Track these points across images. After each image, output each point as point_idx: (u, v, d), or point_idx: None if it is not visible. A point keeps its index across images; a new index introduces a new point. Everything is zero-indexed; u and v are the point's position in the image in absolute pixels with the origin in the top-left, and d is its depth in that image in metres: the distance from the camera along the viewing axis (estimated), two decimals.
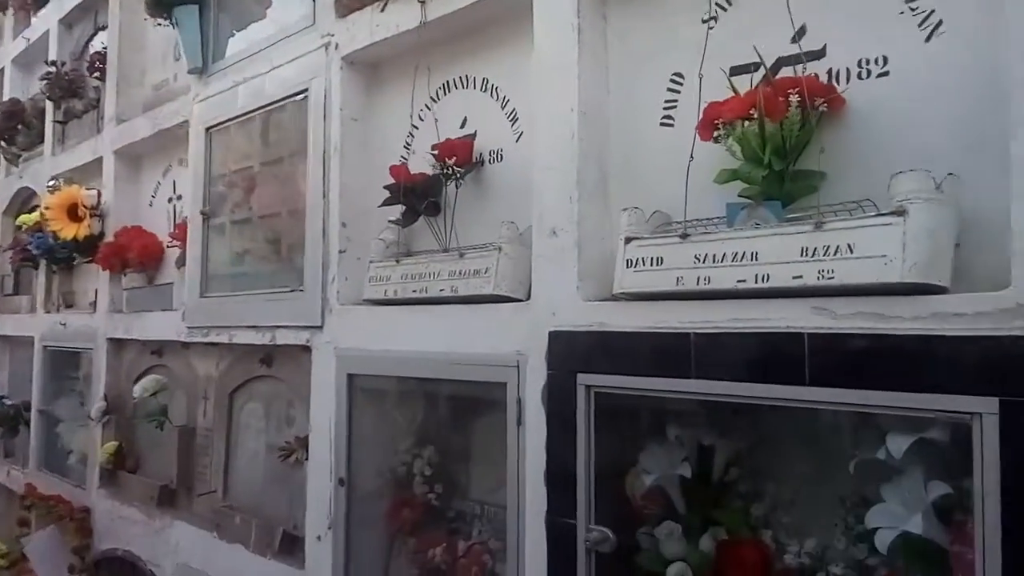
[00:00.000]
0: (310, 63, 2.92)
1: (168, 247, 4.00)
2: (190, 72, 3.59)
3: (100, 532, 4.03)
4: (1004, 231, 1.38)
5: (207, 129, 3.50)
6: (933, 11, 1.56)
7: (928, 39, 1.56)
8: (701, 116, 1.76)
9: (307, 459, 2.84)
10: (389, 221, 2.65)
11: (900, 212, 1.42)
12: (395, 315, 2.50)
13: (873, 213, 1.47)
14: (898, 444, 1.43)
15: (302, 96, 2.96)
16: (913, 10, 1.58)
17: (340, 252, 2.76)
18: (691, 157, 1.77)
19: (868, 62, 1.65)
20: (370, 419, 2.72)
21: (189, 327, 3.48)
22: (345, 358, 2.69)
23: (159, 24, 3.70)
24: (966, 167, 1.47)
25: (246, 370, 3.32)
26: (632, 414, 2.00)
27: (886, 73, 1.62)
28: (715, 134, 1.73)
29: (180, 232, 3.71)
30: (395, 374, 2.57)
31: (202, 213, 3.47)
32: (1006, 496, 1.26)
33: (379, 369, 2.60)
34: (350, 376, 2.68)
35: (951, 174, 1.44)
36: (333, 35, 2.82)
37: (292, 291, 2.94)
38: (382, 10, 2.51)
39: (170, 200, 4.07)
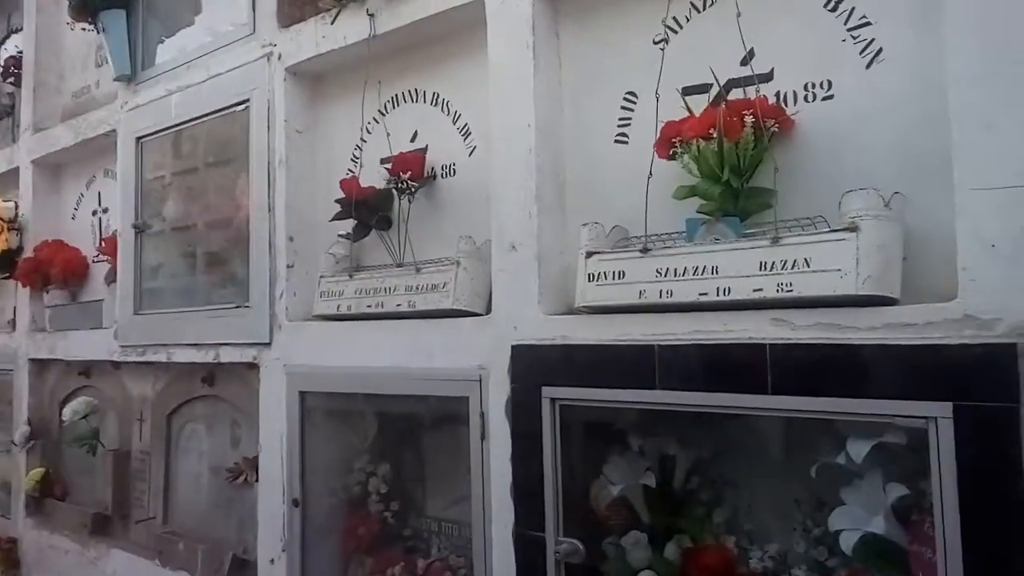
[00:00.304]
0: (251, 73, 2.87)
1: (94, 262, 3.87)
2: (117, 79, 3.48)
3: (29, 563, 3.85)
4: (945, 245, 1.49)
5: (138, 139, 3.40)
6: (873, 39, 1.66)
7: (869, 66, 1.66)
8: (659, 134, 1.82)
9: (257, 480, 2.79)
10: (339, 235, 2.64)
11: (853, 228, 1.51)
12: (349, 330, 2.49)
13: (827, 229, 1.56)
14: (858, 449, 1.52)
15: (243, 107, 2.91)
16: (855, 38, 1.68)
17: (288, 267, 2.73)
18: (650, 174, 1.82)
19: (814, 86, 1.74)
20: (323, 437, 2.69)
21: (122, 346, 3.37)
22: (296, 375, 2.65)
23: (84, 28, 3.57)
24: (907, 186, 1.57)
25: (186, 390, 3.23)
26: (595, 426, 2.04)
27: (831, 96, 1.72)
28: (672, 152, 1.80)
29: (109, 246, 3.58)
30: (350, 390, 2.56)
31: (135, 227, 3.36)
32: (963, 495, 1.35)
33: (333, 386, 2.58)
34: (302, 394, 2.65)
35: (897, 193, 1.54)
36: (275, 45, 2.79)
37: (237, 307, 2.89)
38: (332, 22, 2.50)
39: (95, 213, 3.93)
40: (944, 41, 1.49)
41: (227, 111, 2.99)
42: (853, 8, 1.68)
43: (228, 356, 2.92)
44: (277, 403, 2.71)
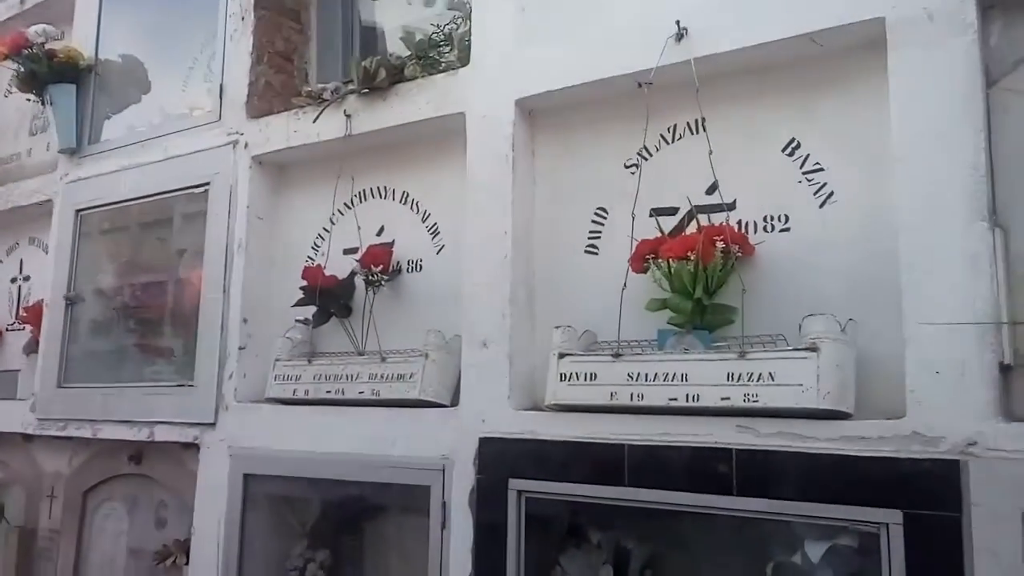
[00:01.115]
0: (214, 158, 2.92)
1: (8, 330, 3.71)
2: (61, 151, 3.44)
3: None
4: (890, 367, 1.70)
5: (78, 211, 3.35)
6: (826, 183, 1.90)
7: (822, 205, 1.90)
8: (634, 251, 1.99)
9: (187, 564, 2.70)
10: (296, 320, 2.68)
11: (813, 348, 1.70)
12: (306, 415, 2.50)
13: (790, 348, 1.75)
14: (816, 550, 1.68)
15: (201, 189, 2.94)
16: (809, 181, 1.92)
17: (240, 348, 2.73)
18: (624, 286, 1.98)
19: (772, 218, 1.96)
20: (264, 521, 2.66)
21: (40, 419, 3.23)
22: (241, 457, 2.63)
23: (28, 99, 3.53)
24: (857, 312, 1.78)
25: (109, 467, 3.11)
26: (554, 518, 2.13)
27: (788, 229, 1.94)
28: (645, 267, 1.98)
29: (31, 315, 3.46)
30: (303, 475, 2.54)
31: (66, 298, 3.28)
32: None
33: (284, 470, 2.56)
34: (246, 476, 2.62)
35: (851, 319, 1.75)
36: (243, 134, 2.86)
37: (180, 386, 2.85)
38: (315, 120, 2.59)
39: (14, 280, 3.80)
40: (891, 192, 1.73)
41: (182, 192, 3.01)
42: (808, 155, 1.92)
43: (164, 435, 2.85)
44: (217, 485, 2.66)
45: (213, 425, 2.72)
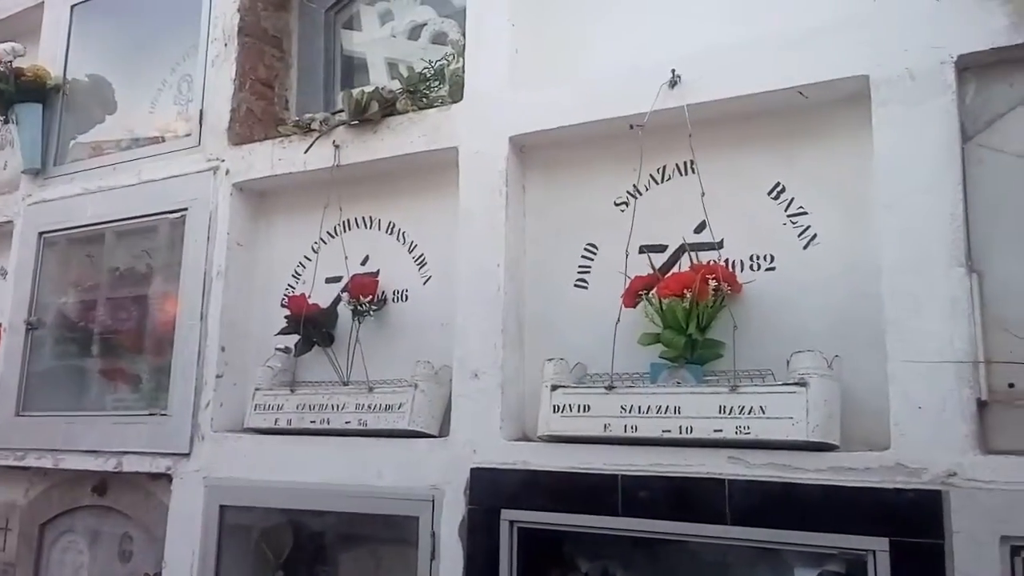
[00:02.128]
0: (192, 184, 2.90)
1: None
2: (25, 172, 3.36)
3: None
4: (872, 401, 1.80)
5: (41, 234, 3.27)
6: (809, 227, 2.01)
7: (806, 247, 2.01)
8: (627, 286, 2.07)
9: None
10: (277, 348, 2.67)
11: (802, 383, 1.79)
12: (288, 445, 2.49)
13: (779, 382, 1.84)
14: None
15: (178, 215, 2.91)
16: (794, 224, 2.03)
17: (218, 377, 2.70)
18: (618, 320, 2.05)
19: (758, 258, 2.06)
20: (239, 553, 2.62)
21: None
22: (218, 489, 2.59)
23: None
24: (841, 348, 1.88)
25: (69, 498, 3.02)
26: (545, 549, 2.16)
27: (773, 268, 2.04)
28: (637, 302, 2.05)
29: None
30: (284, 506, 2.53)
31: (27, 323, 3.19)
32: None
33: (263, 501, 2.54)
34: (222, 508, 2.58)
35: (837, 356, 1.85)
36: (223, 160, 2.85)
37: (152, 415, 2.80)
38: (306, 151, 2.61)
39: None
40: (872, 236, 1.85)
41: (158, 217, 2.98)
42: (793, 198, 2.03)
43: (133, 465, 2.80)
44: (191, 517, 2.62)
45: (188, 455, 2.68)
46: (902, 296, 1.75)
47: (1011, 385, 1.68)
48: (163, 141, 3.17)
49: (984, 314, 1.71)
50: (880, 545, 1.67)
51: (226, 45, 2.94)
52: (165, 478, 2.73)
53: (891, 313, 1.76)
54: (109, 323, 3.13)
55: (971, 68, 1.78)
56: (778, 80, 1.96)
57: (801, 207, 2.02)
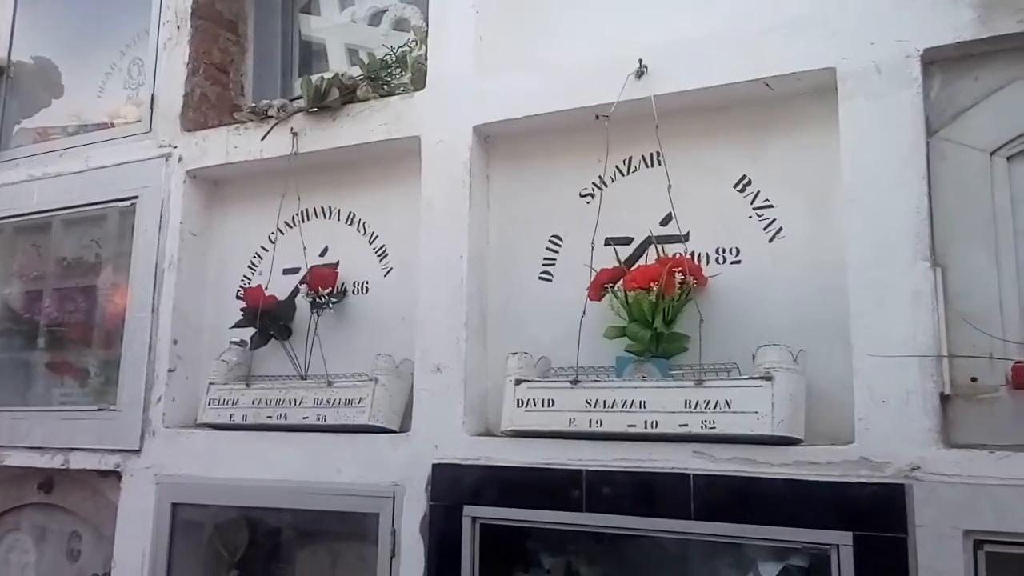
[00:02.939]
0: (143, 171, 2.80)
1: None
2: None
3: None
4: (836, 395, 1.80)
5: None
6: (775, 219, 2.00)
7: (772, 240, 2.00)
8: (593, 279, 2.04)
9: None
10: (232, 342, 2.60)
11: (768, 377, 1.78)
12: (243, 441, 2.42)
13: (745, 376, 1.83)
14: (769, 570, 1.75)
15: (128, 203, 2.81)
16: (760, 216, 2.02)
17: (169, 371, 2.62)
18: (583, 313, 2.02)
19: (724, 251, 2.05)
20: (191, 552, 2.55)
21: None
22: (169, 486, 2.51)
23: None
24: (805, 342, 1.87)
25: (14, 496, 2.92)
26: (504, 543, 2.12)
27: (739, 261, 2.03)
28: (602, 295, 2.03)
29: None
30: (239, 503, 2.46)
31: None
32: None
33: (218, 498, 2.47)
34: (174, 506, 2.50)
35: (802, 350, 1.84)
36: (176, 147, 2.76)
37: (99, 410, 2.70)
38: (263, 139, 2.53)
39: None
40: (838, 230, 1.85)
41: (107, 206, 2.88)
42: (759, 191, 2.02)
43: (81, 462, 2.70)
44: (142, 515, 2.54)
45: (138, 452, 2.59)
46: (866, 290, 1.75)
47: (974, 379, 1.69)
48: (112, 127, 3.07)
49: (947, 308, 1.71)
50: (844, 539, 1.66)
51: (178, 28, 2.84)
52: (114, 475, 2.64)
53: (856, 307, 1.76)
54: (56, 315, 3.03)
55: (937, 62, 1.79)
56: (745, 72, 1.94)
57: (767, 200, 2.01)
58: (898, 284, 1.72)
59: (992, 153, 1.75)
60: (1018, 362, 1.62)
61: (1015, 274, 1.71)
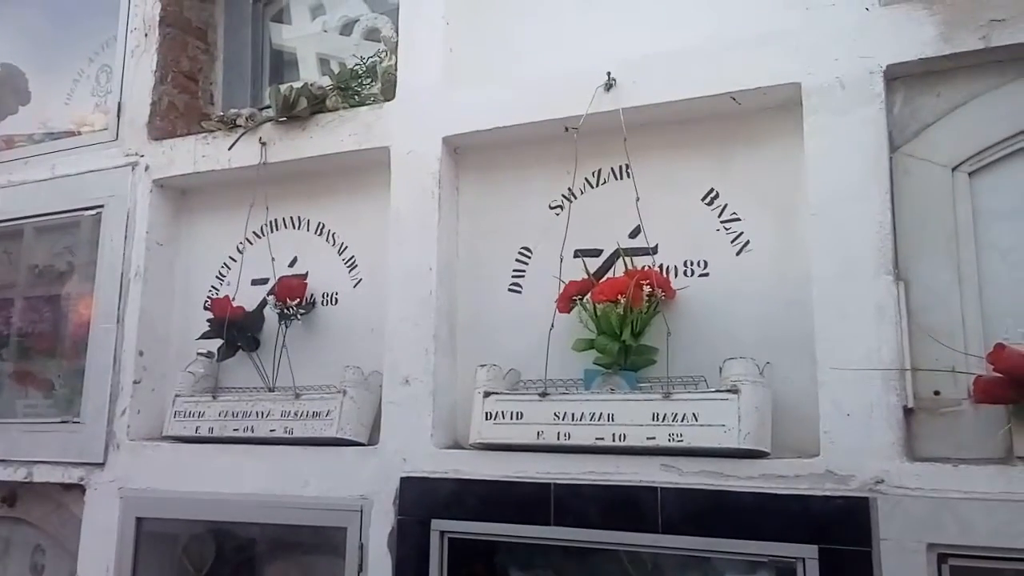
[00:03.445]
0: (108, 179, 2.77)
1: None
2: None
3: None
4: (801, 408, 1.81)
5: None
6: (742, 233, 2.01)
7: (739, 253, 2.01)
8: (561, 291, 2.04)
9: None
10: (199, 353, 2.56)
11: (734, 390, 1.79)
12: (209, 454, 2.39)
13: (712, 389, 1.83)
14: None
15: (94, 212, 2.77)
16: (727, 229, 2.03)
17: (135, 382, 2.58)
18: (552, 326, 2.02)
19: (692, 263, 2.05)
20: (156, 567, 2.51)
21: None
22: (134, 500, 2.47)
23: None
24: (771, 355, 1.88)
25: None
26: (476, 559, 2.11)
27: (707, 274, 2.04)
28: (571, 307, 2.03)
29: None
30: (205, 517, 2.42)
31: None
32: None
33: (183, 512, 2.43)
34: (139, 520, 2.47)
35: (768, 363, 1.85)
36: (143, 156, 2.73)
37: (63, 422, 2.66)
38: (230, 148, 2.51)
39: None
40: (803, 244, 1.86)
41: (74, 214, 2.83)
42: (726, 205, 2.03)
43: (44, 475, 2.65)
44: (105, 530, 2.49)
45: (102, 465, 2.55)
46: (831, 304, 1.76)
47: (936, 393, 1.70)
48: (79, 134, 3.02)
49: (911, 322, 1.73)
50: (810, 553, 1.67)
51: (147, 35, 2.81)
52: (78, 488, 2.59)
53: (820, 320, 1.77)
54: (22, 324, 2.98)
55: (900, 78, 1.81)
56: (712, 86, 1.95)
57: (734, 213, 2.02)
58: (862, 298, 1.73)
59: (954, 168, 1.76)
60: (980, 376, 1.63)
61: (977, 289, 1.72)
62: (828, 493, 1.69)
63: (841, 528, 1.66)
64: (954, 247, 1.74)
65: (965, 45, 1.74)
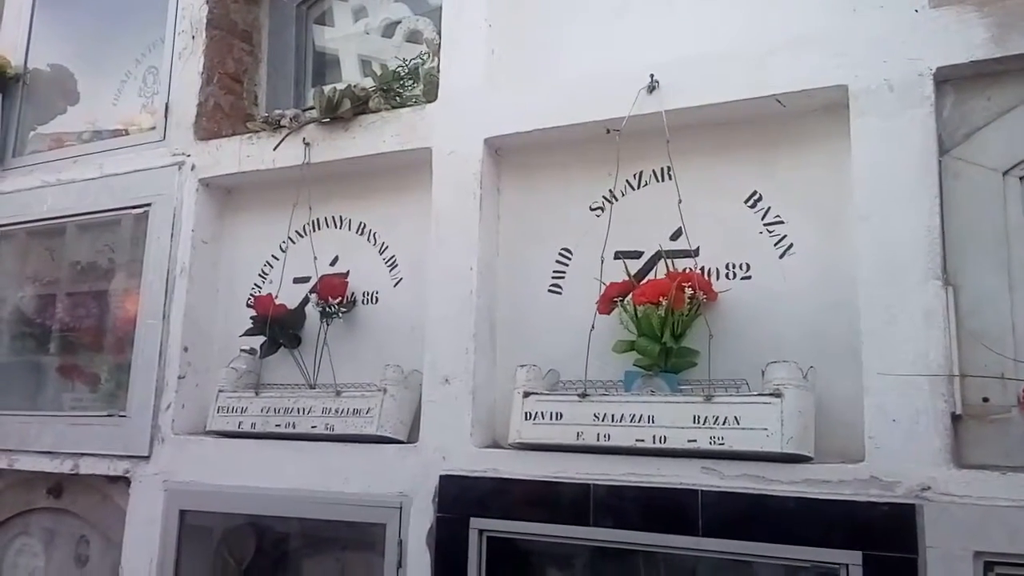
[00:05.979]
0: (156, 179, 2.82)
1: None
2: None
3: None
4: (845, 413, 1.80)
5: None
6: (786, 236, 2.00)
7: (782, 256, 1.99)
8: (602, 293, 2.04)
9: None
10: (242, 350, 2.60)
11: (777, 394, 1.77)
12: (251, 449, 2.43)
13: (754, 393, 1.82)
14: None
15: (141, 210, 2.83)
16: (770, 233, 2.02)
17: (179, 378, 2.63)
18: (592, 327, 2.02)
19: (734, 266, 2.05)
20: (199, 559, 2.55)
21: None
22: (178, 492, 2.52)
23: None
24: (814, 359, 1.86)
25: (23, 500, 2.93)
26: (515, 558, 2.12)
27: (749, 277, 2.03)
28: (612, 309, 2.03)
29: None
30: (247, 511, 2.46)
31: None
32: None
33: (225, 506, 2.47)
34: (182, 512, 2.51)
35: (812, 367, 1.83)
36: (189, 155, 2.78)
37: (110, 415, 2.71)
38: (275, 148, 2.54)
39: None
40: (848, 247, 1.84)
41: (119, 212, 2.89)
42: (769, 208, 2.02)
43: (90, 467, 2.71)
44: (150, 522, 2.54)
45: (147, 458, 2.60)
46: (877, 308, 1.74)
47: (985, 399, 1.68)
48: (127, 134, 3.09)
49: (959, 327, 1.71)
50: (853, 559, 1.66)
51: (194, 38, 2.86)
52: (123, 481, 2.65)
53: (866, 324, 1.75)
54: (68, 319, 3.05)
55: (949, 81, 1.78)
56: (756, 88, 1.94)
57: (778, 216, 2.01)
58: (909, 302, 1.71)
59: (1005, 172, 1.74)
60: None
61: None
62: (873, 499, 1.67)
63: (886, 535, 1.64)
64: (1004, 252, 1.72)
65: (1017, 48, 1.71)
